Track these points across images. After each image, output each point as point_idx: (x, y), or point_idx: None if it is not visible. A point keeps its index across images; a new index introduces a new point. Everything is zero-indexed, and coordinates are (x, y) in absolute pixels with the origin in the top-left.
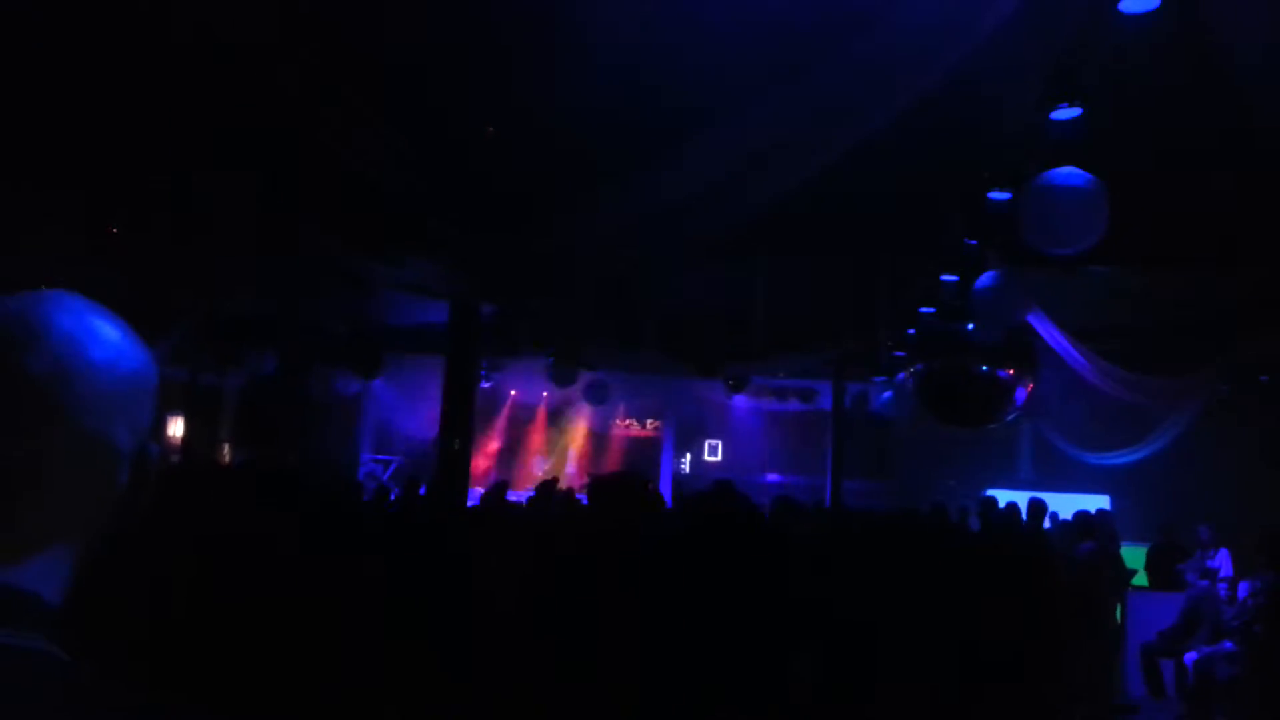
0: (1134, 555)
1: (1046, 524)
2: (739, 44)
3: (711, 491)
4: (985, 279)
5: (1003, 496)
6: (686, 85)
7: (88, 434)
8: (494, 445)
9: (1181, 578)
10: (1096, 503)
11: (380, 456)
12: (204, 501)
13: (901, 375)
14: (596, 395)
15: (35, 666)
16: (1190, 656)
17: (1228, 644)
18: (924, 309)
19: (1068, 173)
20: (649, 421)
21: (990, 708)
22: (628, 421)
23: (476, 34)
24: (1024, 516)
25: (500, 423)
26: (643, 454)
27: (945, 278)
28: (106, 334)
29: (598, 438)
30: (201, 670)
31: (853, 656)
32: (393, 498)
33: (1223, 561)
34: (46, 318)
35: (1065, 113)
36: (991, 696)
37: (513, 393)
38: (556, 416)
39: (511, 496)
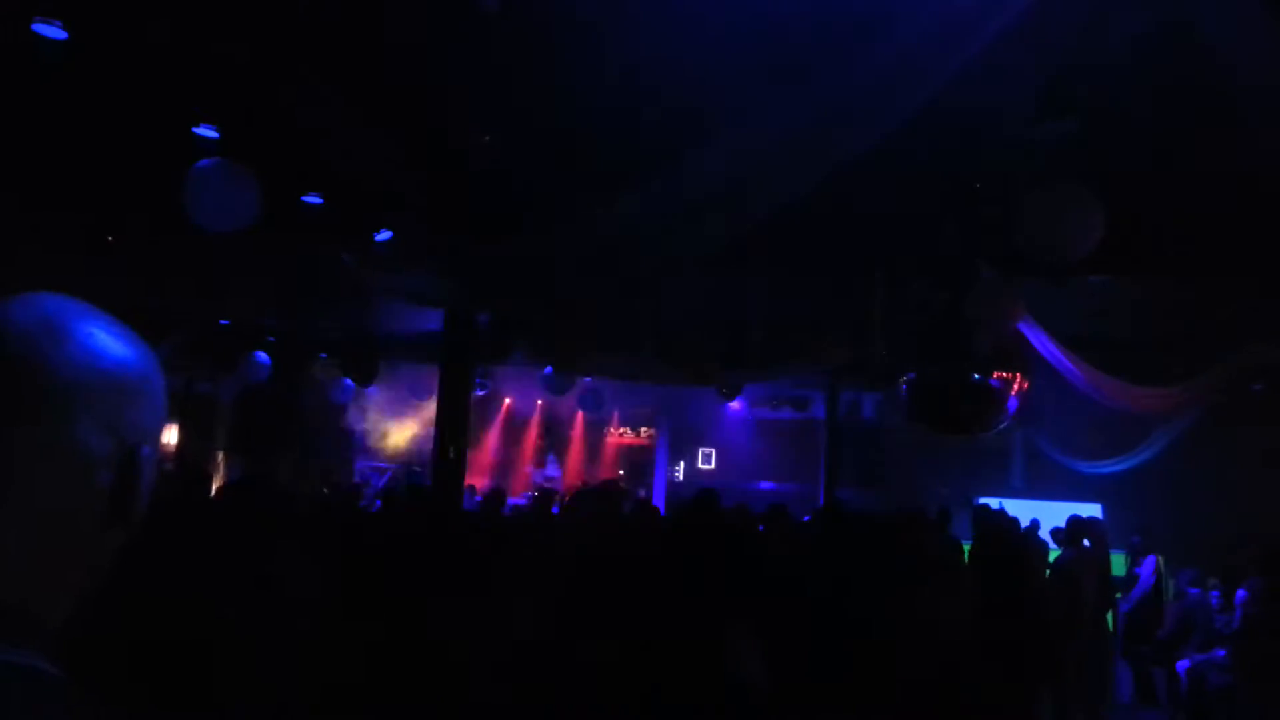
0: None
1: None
2: (738, 52)
3: (694, 499)
4: (975, 287)
5: (994, 505)
6: (684, 94)
7: (48, 433)
8: (489, 454)
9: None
10: (1088, 511)
11: (375, 464)
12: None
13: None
14: (590, 403)
15: (24, 683)
16: (1182, 664)
17: (1220, 652)
18: (916, 318)
19: (1053, 182)
20: (642, 429)
21: (975, 713)
22: (621, 430)
23: (474, 39)
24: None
25: (495, 430)
26: (636, 462)
27: (938, 287)
28: (71, 327)
29: (591, 446)
30: (198, 681)
31: (834, 661)
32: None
33: (1146, 568)
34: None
35: (1059, 124)
36: (975, 701)
37: (507, 401)
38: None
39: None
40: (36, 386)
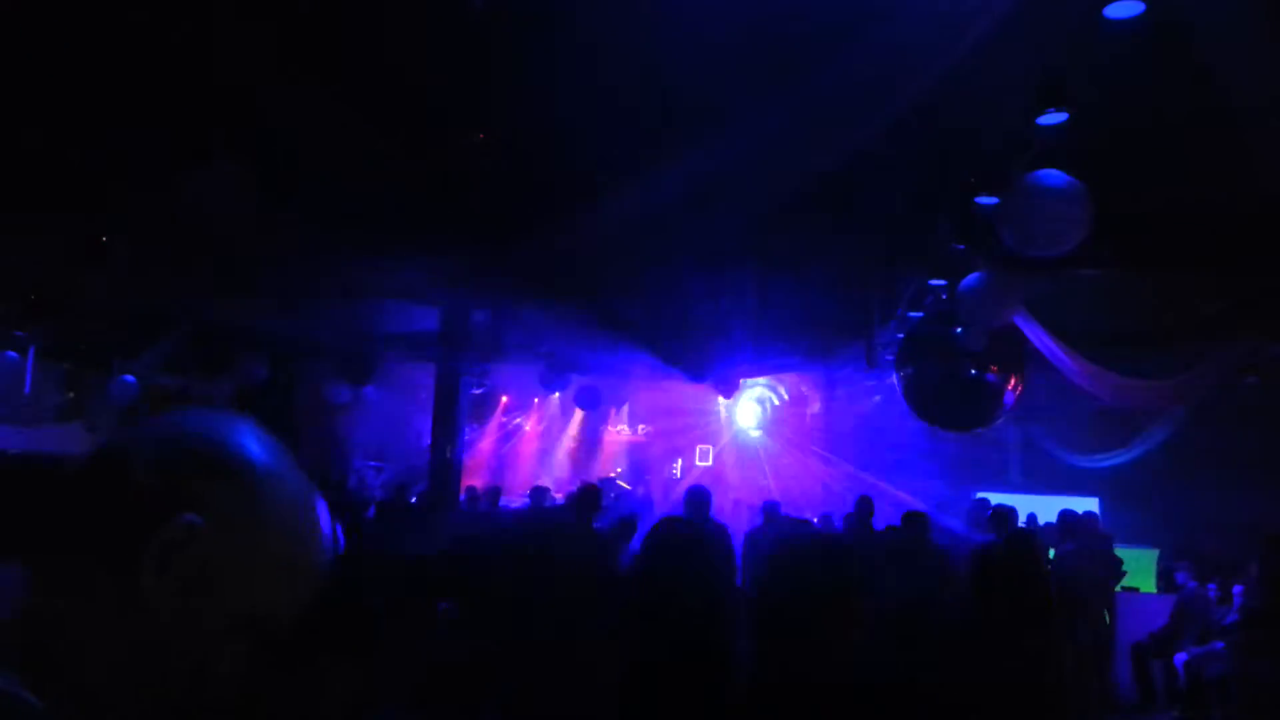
0: (1122, 557)
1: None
2: (732, 50)
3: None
4: (970, 282)
5: (993, 500)
6: (679, 91)
7: None
8: (485, 453)
9: (1171, 578)
10: (1085, 505)
11: (372, 463)
12: None
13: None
14: (588, 400)
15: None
16: (1180, 657)
17: (1217, 644)
18: (912, 313)
19: (1047, 174)
20: (640, 426)
21: (976, 709)
22: (619, 427)
23: (463, 34)
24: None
25: (491, 428)
26: (634, 459)
27: (933, 282)
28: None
29: (589, 443)
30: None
31: (833, 657)
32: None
33: None
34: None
35: (1052, 118)
36: (976, 698)
37: (504, 399)
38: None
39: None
40: None
